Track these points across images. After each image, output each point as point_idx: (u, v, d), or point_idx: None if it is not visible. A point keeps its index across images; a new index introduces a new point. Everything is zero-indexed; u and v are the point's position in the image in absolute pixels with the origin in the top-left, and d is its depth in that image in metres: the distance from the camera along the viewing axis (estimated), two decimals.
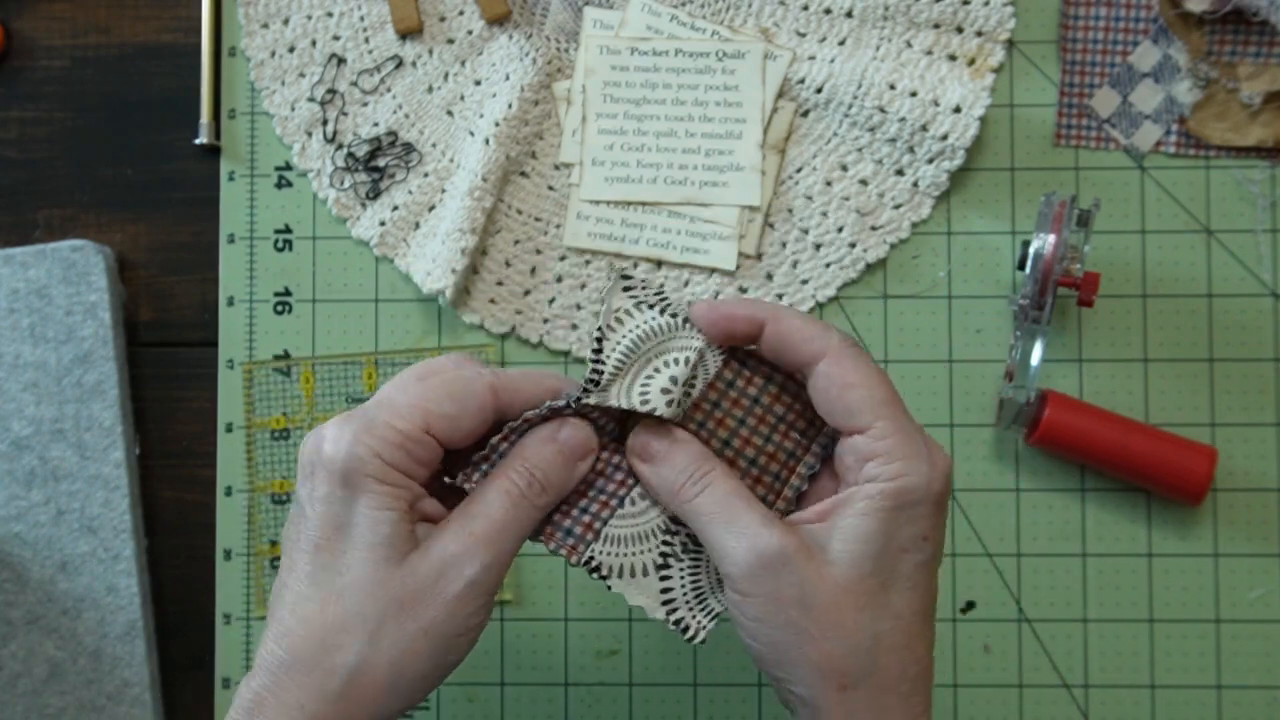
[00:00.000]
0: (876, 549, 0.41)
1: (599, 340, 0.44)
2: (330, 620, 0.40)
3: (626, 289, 0.45)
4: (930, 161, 0.62)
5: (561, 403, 0.43)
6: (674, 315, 0.45)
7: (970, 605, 0.61)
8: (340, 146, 0.64)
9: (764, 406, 0.45)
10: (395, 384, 0.43)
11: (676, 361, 0.44)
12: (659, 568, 0.44)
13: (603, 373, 0.43)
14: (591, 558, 0.44)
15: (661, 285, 0.47)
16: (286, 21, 0.64)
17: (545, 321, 0.63)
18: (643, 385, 0.43)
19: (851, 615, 0.41)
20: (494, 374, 0.43)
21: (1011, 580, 0.61)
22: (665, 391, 0.43)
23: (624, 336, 0.44)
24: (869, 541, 0.41)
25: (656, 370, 0.44)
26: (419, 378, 0.43)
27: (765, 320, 0.44)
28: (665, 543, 0.44)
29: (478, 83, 0.64)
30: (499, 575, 0.41)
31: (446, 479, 0.44)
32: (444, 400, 0.42)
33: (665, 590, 0.44)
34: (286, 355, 0.63)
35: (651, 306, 0.45)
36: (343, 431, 0.41)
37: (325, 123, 0.64)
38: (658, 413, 0.43)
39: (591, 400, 0.43)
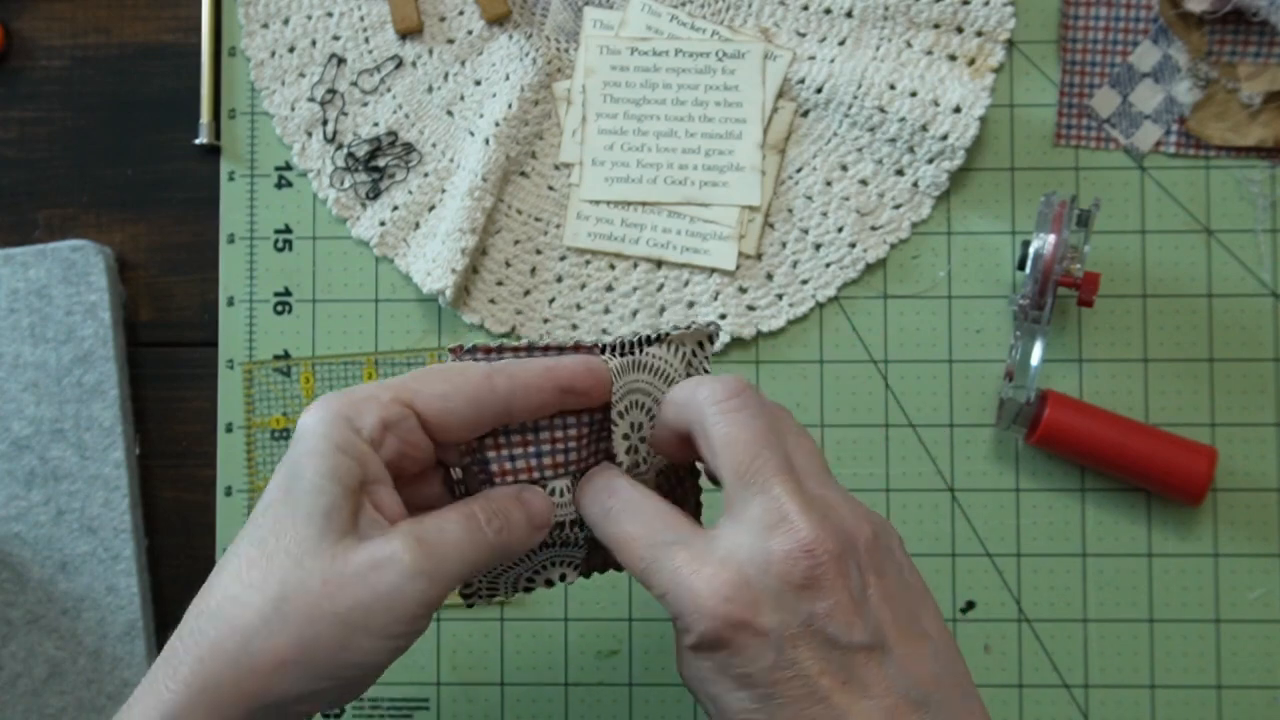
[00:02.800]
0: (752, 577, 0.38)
1: (649, 341, 0.43)
2: (252, 579, 0.38)
3: (701, 344, 0.44)
4: (930, 161, 0.62)
5: (589, 343, 0.42)
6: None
7: (970, 605, 0.61)
8: (340, 146, 0.64)
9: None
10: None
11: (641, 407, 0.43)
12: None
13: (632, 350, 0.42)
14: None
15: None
16: (286, 21, 0.64)
17: (545, 321, 0.63)
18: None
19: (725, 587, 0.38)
20: (492, 368, 0.40)
21: (1011, 580, 0.61)
22: (625, 437, 0.43)
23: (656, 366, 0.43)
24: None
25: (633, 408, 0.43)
26: (416, 370, 0.41)
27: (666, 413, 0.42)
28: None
29: (478, 83, 0.64)
30: (432, 592, 0.38)
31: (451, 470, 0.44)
32: (435, 380, 0.40)
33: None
34: (286, 355, 0.63)
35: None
36: (324, 400, 0.40)
37: (325, 123, 0.64)
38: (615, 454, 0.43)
39: (612, 363, 0.42)
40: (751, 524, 0.37)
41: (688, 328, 0.43)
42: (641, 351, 0.42)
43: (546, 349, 0.41)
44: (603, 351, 0.41)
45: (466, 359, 0.41)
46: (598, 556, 0.45)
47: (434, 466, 0.43)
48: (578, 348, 0.41)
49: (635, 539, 0.40)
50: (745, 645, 0.37)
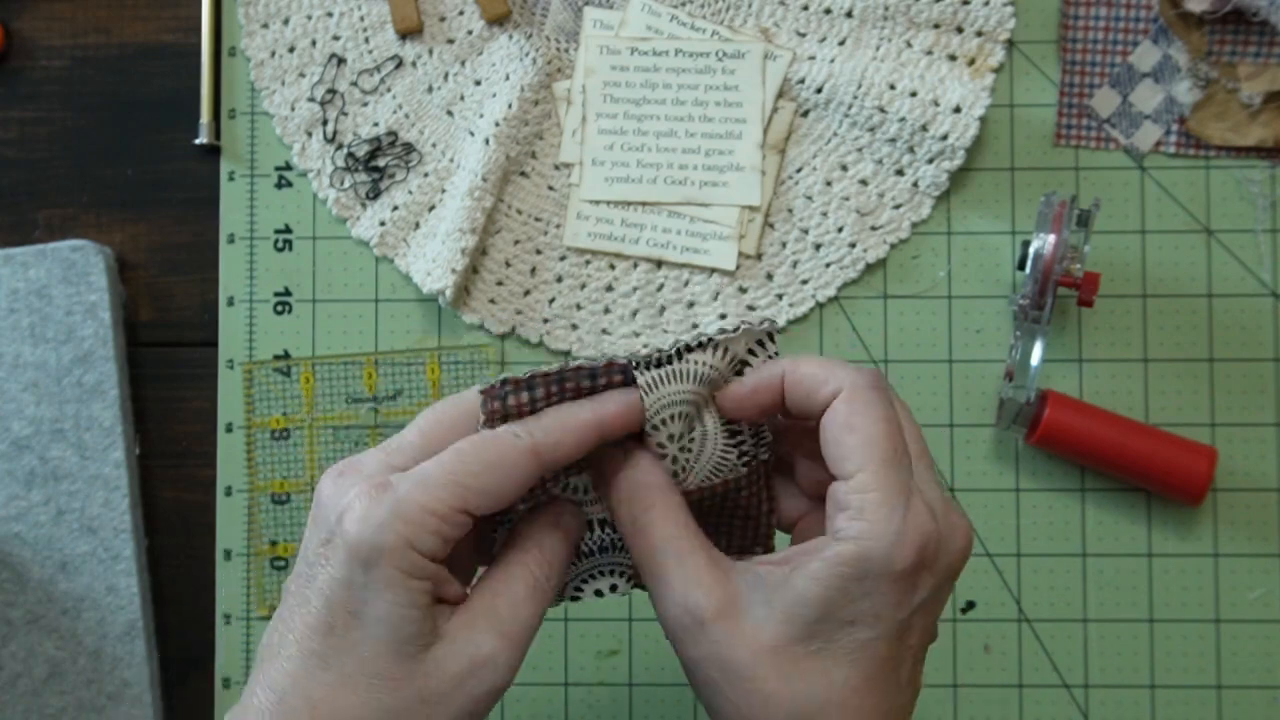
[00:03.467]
0: (815, 615, 0.37)
1: (690, 348, 0.40)
2: (343, 707, 0.37)
3: (760, 343, 0.41)
4: (930, 161, 0.62)
5: (622, 361, 0.40)
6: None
7: (970, 605, 0.61)
8: (340, 146, 0.64)
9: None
10: (425, 439, 0.39)
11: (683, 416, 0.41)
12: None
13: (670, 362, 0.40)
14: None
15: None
16: (286, 21, 0.64)
17: (545, 321, 0.63)
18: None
19: (773, 683, 0.37)
20: (533, 438, 0.38)
21: (1011, 580, 0.61)
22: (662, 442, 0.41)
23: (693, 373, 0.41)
24: (808, 607, 0.37)
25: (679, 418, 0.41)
26: (456, 449, 0.38)
27: (782, 372, 0.40)
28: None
29: (478, 83, 0.64)
30: (517, 672, 0.39)
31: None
32: (483, 474, 0.37)
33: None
34: (286, 355, 0.63)
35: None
36: (372, 511, 0.36)
37: (325, 123, 0.64)
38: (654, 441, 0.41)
39: (640, 379, 0.40)
40: (900, 504, 0.37)
41: (735, 330, 0.40)
42: (682, 360, 0.40)
43: (579, 369, 0.39)
44: (635, 367, 0.39)
45: (498, 394, 0.39)
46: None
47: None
48: (610, 366, 0.39)
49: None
50: (917, 585, 0.37)
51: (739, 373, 0.40)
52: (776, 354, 0.40)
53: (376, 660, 0.37)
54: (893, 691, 0.38)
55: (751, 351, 0.40)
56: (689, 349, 0.40)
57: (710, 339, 0.40)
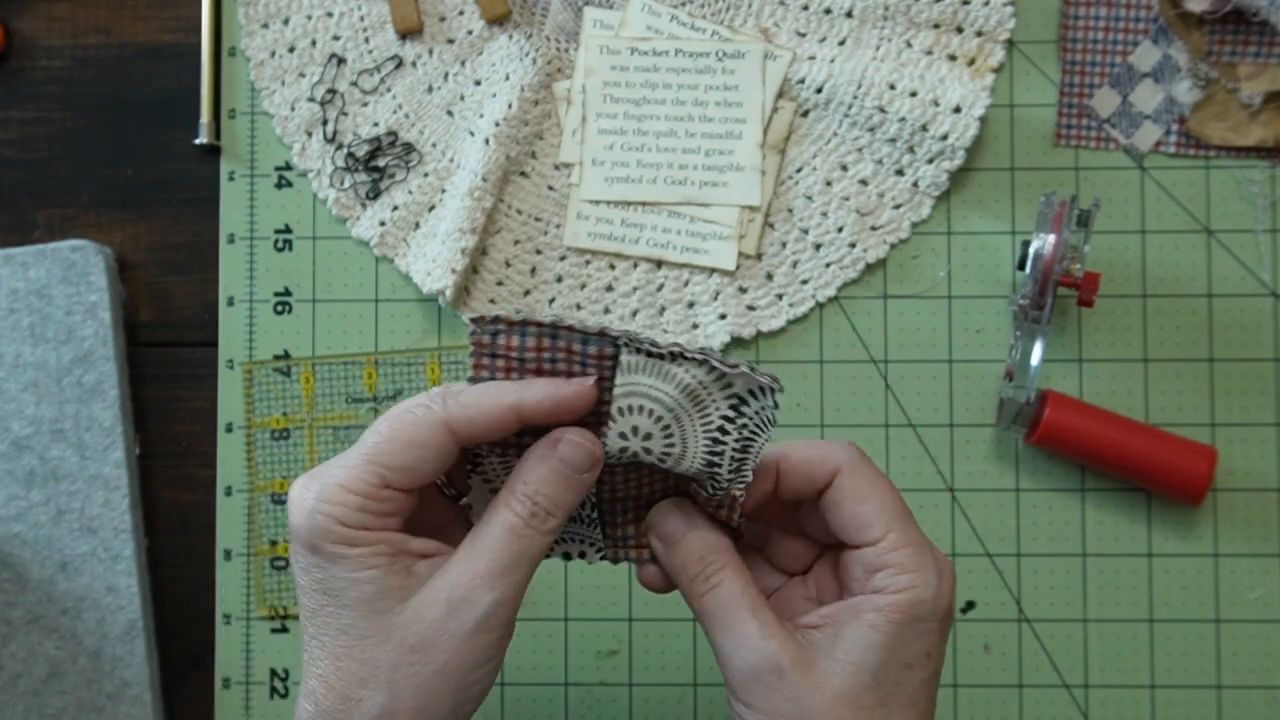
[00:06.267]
0: (879, 662, 0.40)
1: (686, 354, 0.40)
2: (347, 677, 0.39)
3: (762, 390, 0.41)
4: (930, 161, 0.62)
5: (615, 333, 0.40)
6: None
7: (970, 605, 0.61)
8: (340, 146, 0.64)
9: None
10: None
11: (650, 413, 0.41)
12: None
13: (657, 354, 0.40)
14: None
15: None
16: (286, 21, 0.64)
17: None
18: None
19: None
20: (447, 411, 0.40)
21: (1011, 580, 0.61)
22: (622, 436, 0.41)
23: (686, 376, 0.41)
24: (872, 654, 0.40)
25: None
26: (374, 428, 0.40)
27: (776, 462, 0.43)
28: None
29: (478, 83, 0.64)
30: (512, 605, 0.40)
31: (445, 492, 0.44)
32: (398, 451, 0.39)
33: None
34: (286, 355, 0.63)
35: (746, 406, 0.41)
36: (303, 497, 0.40)
37: (325, 123, 0.64)
38: (605, 441, 0.41)
39: (624, 358, 0.40)
40: (928, 552, 0.42)
41: (735, 367, 0.40)
42: (673, 361, 0.40)
43: (571, 329, 0.40)
44: (626, 346, 0.40)
45: (488, 329, 0.40)
46: (629, 549, 0.45)
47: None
48: (603, 334, 0.40)
49: None
50: (950, 619, 0.42)
51: (735, 409, 0.40)
52: (775, 407, 0.41)
53: (357, 625, 0.39)
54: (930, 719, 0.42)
55: (753, 394, 0.40)
56: (685, 357, 0.40)
57: (708, 358, 0.40)
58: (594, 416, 0.41)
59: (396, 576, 0.40)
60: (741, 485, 0.42)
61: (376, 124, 0.64)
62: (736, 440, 0.41)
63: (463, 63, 0.64)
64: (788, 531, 0.46)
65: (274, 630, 0.62)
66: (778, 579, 0.46)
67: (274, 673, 0.62)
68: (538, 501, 0.40)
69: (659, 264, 0.63)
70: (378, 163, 0.64)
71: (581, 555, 0.45)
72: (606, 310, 0.63)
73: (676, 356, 0.40)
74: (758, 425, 0.41)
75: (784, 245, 0.62)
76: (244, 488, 0.63)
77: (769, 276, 0.62)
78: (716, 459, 0.41)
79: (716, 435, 0.41)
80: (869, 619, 0.40)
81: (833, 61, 0.62)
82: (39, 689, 0.61)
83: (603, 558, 0.45)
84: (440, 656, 0.39)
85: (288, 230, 0.64)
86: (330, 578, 0.40)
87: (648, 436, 0.41)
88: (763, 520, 0.46)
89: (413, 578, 0.40)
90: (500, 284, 0.63)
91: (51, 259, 0.62)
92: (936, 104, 0.61)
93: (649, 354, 0.40)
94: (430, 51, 0.64)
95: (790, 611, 0.43)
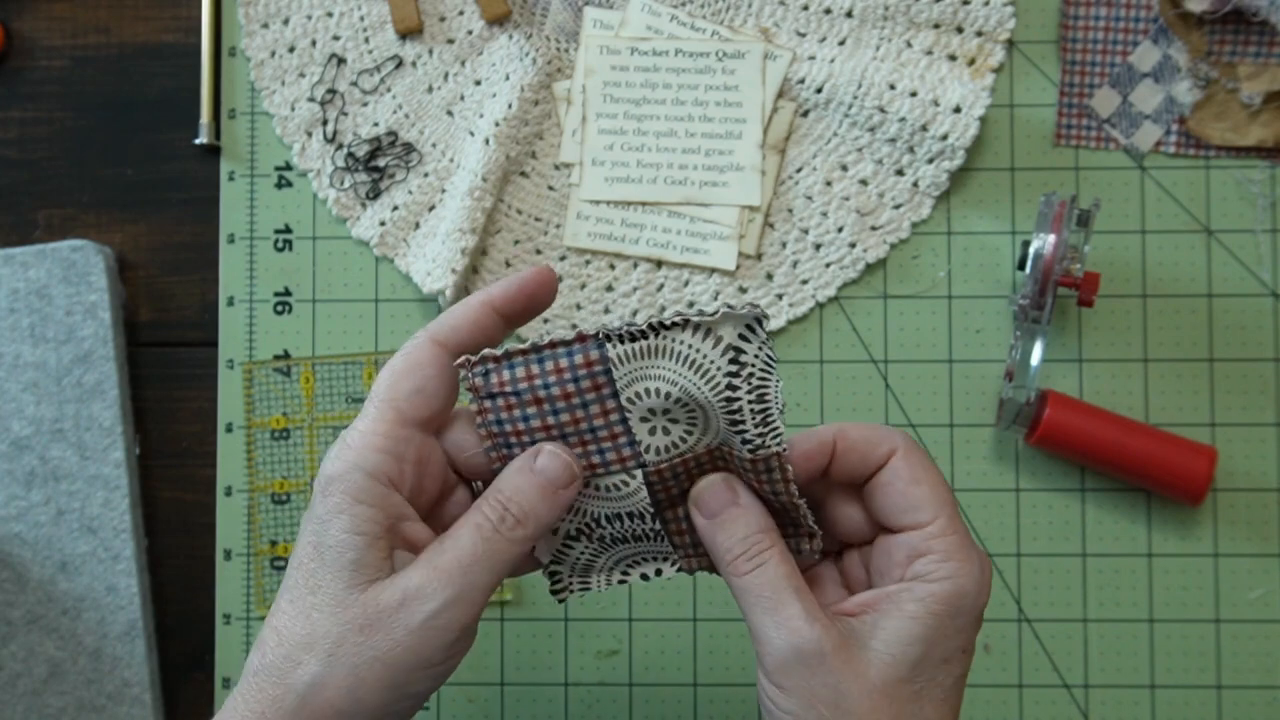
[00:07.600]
0: (918, 655, 0.40)
1: (666, 325, 0.41)
2: (297, 636, 0.40)
3: (750, 328, 0.41)
4: (930, 161, 0.62)
5: (592, 332, 0.41)
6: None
7: None
8: (340, 146, 0.64)
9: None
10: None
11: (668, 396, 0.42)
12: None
13: (641, 337, 0.41)
14: (586, 587, 0.45)
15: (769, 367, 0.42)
16: (286, 21, 0.64)
17: (545, 321, 0.63)
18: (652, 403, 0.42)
19: None
20: (429, 331, 0.43)
21: (1011, 580, 0.61)
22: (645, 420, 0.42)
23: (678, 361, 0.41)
24: (912, 646, 0.40)
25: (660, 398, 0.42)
26: (382, 371, 0.43)
27: (833, 438, 0.42)
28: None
29: (478, 83, 0.64)
30: (466, 612, 0.40)
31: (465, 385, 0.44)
32: (398, 381, 0.41)
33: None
34: (286, 355, 0.63)
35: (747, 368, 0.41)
36: (332, 452, 0.41)
37: (325, 123, 0.64)
38: (631, 413, 0.41)
39: (611, 352, 0.41)
40: (972, 543, 0.42)
41: (714, 313, 0.40)
42: (658, 336, 0.40)
43: (553, 345, 0.41)
44: (608, 340, 0.41)
45: (478, 371, 0.41)
46: (702, 557, 0.45)
47: (459, 484, 0.44)
48: (582, 339, 0.41)
49: None
50: (979, 624, 0.42)
51: (735, 360, 0.41)
52: (767, 340, 0.41)
53: (326, 587, 0.40)
54: (957, 716, 0.42)
55: (743, 337, 0.40)
56: (665, 326, 0.40)
57: (686, 319, 0.40)
58: (612, 424, 0.42)
59: (376, 554, 0.40)
60: (777, 440, 0.41)
61: (376, 124, 0.64)
62: (749, 391, 0.41)
63: (463, 63, 0.64)
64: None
65: None
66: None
67: None
68: (509, 508, 0.41)
69: (659, 264, 0.63)
70: (378, 163, 0.64)
71: (659, 573, 0.45)
72: (606, 310, 0.63)
73: (656, 329, 0.40)
74: (764, 369, 0.41)
75: (784, 245, 0.62)
76: (244, 488, 0.63)
77: (769, 276, 0.62)
78: (739, 417, 0.41)
79: (729, 395, 0.41)
80: (909, 609, 0.40)
81: (833, 61, 0.62)
82: (39, 689, 0.61)
83: (678, 569, 0.45)
84: (383, 644, 0.39)
85: (288, 230, 0.64)
86: (324, 532, 0.40)
87: (667, 413, 0.41)
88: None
89: (388, 563, 0.40)
90: None
91: (51, 259, 0.62)
92: (936, 104, 0.61)
93: (632, 338, 0.40)
94: (430, 51, 0.64)
95: (822, 598, 0.43)
